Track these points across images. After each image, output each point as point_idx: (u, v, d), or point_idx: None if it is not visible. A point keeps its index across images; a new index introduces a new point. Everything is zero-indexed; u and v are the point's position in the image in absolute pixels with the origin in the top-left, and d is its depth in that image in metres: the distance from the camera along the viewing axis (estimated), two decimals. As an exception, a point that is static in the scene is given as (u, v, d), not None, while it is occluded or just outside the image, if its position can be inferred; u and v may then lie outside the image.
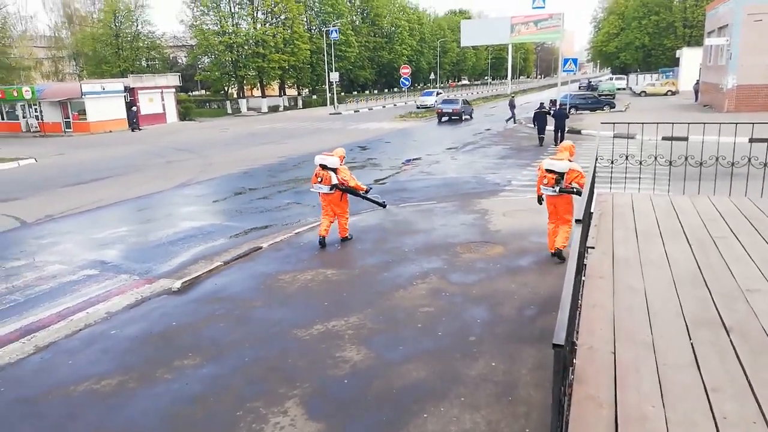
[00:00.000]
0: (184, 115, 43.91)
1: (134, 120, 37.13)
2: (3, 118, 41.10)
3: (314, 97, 60.21)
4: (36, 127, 38.73)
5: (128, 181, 16.71)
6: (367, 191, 9.40)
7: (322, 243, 8.95)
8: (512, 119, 30.13)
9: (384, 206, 9.76)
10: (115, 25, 50.84)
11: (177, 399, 4.83)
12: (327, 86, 53.84)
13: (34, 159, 23.21)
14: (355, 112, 46.56)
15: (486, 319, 6.05)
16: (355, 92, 71.05)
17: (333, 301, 6.76)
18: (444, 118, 34.36)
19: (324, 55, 52.68)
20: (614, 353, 3.18)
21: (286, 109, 53.87)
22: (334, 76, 49.13)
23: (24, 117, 39.67)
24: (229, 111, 50.78)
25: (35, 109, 38.89)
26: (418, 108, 43.54)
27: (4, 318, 6.82)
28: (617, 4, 73.63)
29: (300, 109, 54.22)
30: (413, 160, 18.89)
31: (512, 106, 30.75)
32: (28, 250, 9.80)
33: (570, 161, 7.58)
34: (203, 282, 7.66)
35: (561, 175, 7.49)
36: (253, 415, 4.52)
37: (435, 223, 10.10)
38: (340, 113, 44.98)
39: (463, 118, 34.53)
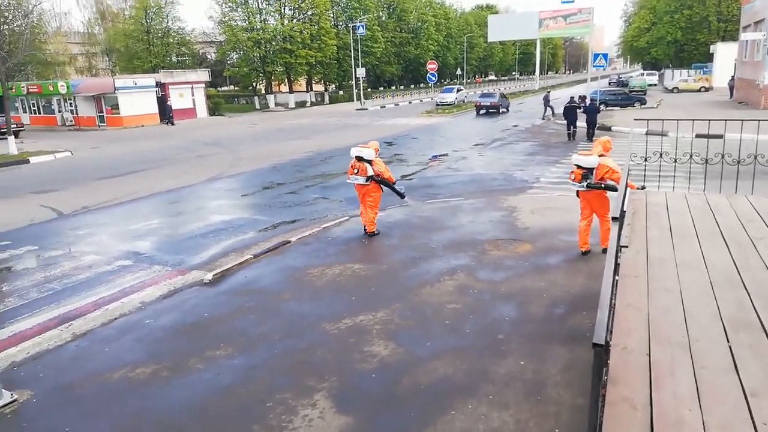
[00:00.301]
0: (213, 110, 44.58)
1: (169, 114, 37.89)
2: (40, 112, 42.39)
3: (341, 92, 60.41)
4: (71, 121, 39.81)
5: (160, 175, 17.06)
6: (394, 183, 9.57)
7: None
8: (546, 113, 29.94)
9: (403, 197, 9.76)
10: (146, 22, 51.75)
11: (209, 389, 4.93)
12: (353, 82, 53.91)
13: (70, 152, 23.86)
14: (381, 107, 46.58)
15: (514, 317, 6.02)
16: (382, 88, 71.00)
17: (361, 296, 6.81)
18: (482, 111, 35.81)
19: (350, 51, 52.75)
20: (649, 354, 3.13)
21: (313, 104, 54.22)
22: (361, 72, 49.15)
23: (59, 111, 40.81)
24: (257, 106, 51.34)
25: (70, 103, 39.98)
26: (437, 105, 41.98)
27: (43, 306, 7.05)
28: (649, -2, 71.93)
29: (327, 104, 54.51)
30: (440, 156, 18.83)
31: (547, 100, 30.47)
32: (64, 240, 10.10)
33: (603, 156, 7.47)
34: (234, 274, 7.79)
35: (589, 170, 7.42)
36: (283, 406, 4.59)
37: (462, 219, 10.06)
38: (367, 109, 45.02)
39: (500, 111, 35.75)
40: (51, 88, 39.94)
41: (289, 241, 9.19)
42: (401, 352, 5.39)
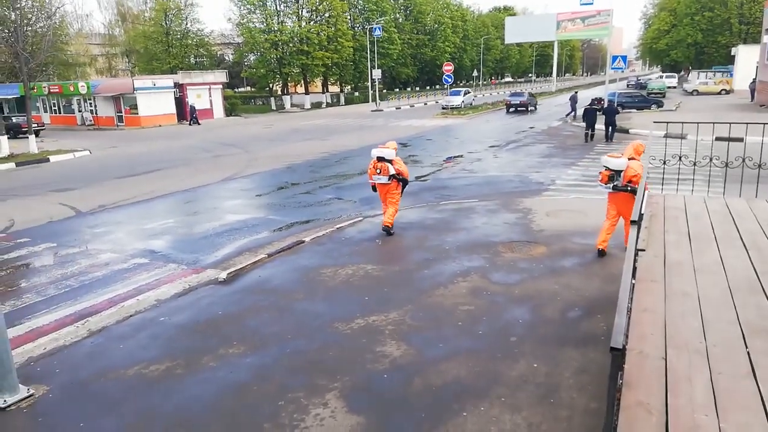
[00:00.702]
0: (230, 110, 44.96)
1: (193, 115, 38.30)
2: (60, 112, 43.16)
3: (356, 93, 60.57)
4: (90, 121, 40.46)
5: (177, 174, 17.24)
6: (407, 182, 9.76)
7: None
8: (570, 113, 29.76)
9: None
10: (166, 23, 52.36)
11: (222, 387, 4.95)
12: (369, 83, 54.02)
13: (89, 151, 24.22)
14: (396, 109, 46.59)
15: (528, 319, 5.97)
16: (397, 89, 71.03)
17: (374, 297, 6.80)
18: (511, 109, 37.96)
19: (367, 53, 52.86)
20: (665, 359, 3.08)
21: (328, 105, 54.43)
22: (377, 74, 49.20)
23: (79, 111, 41.53)
24: (274, 107, 51.67)
25: (90, 103, 40.65)
26: (443, 109, 40.36)
27: (60, 302, 7.15)
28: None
29: (342, 105, 54.68)
30: (455, 157, 18.77)
31: (574, 101, 30.15)
32: (82, 238, 10.24)
33: (633, 160, 7.45)
34: (248, 273, 7.83)
35: (617, 172, 7.44)
36: (294, 405, 4.60)
37: (476, 221, 10.01)
38: (382, 110, 45.08)
39: (529, 109, 37.58)
40: (72, 89, 40.63)
41: (303, 241, 9.22)
42: (413, 353, 5.37)
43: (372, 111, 44.78)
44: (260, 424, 4.37)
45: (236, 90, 63.93)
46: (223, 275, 7.69)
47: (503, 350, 5.31)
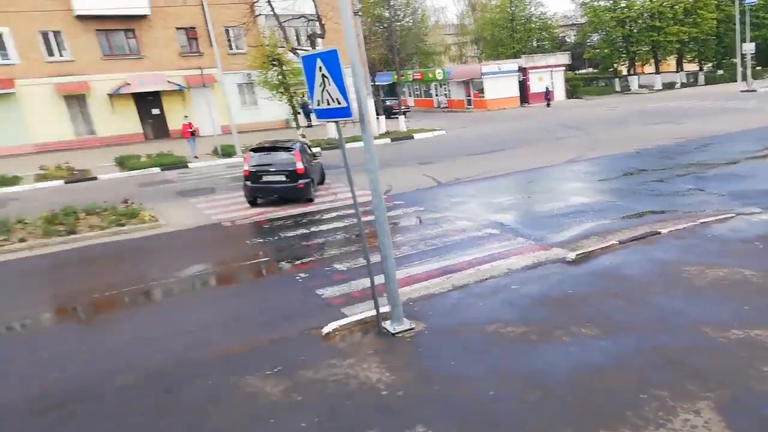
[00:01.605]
0: (571, 93, 44.22)
1: (547, 97, 39.46)
2: (421, 96, 49.55)
3: (719, 72, 51.76)
4: (444, 104, 45.36)
5: (520, 154, 17.93)
6: None
7: None
8: None
9: None
10: (510, 10, 54.16)
11: (576, 363, 4.97)
12: (738, 59, 45.34)
13: (444, 131, 27.21)
14: (776, 89, 38.02)
15: None
16: (777, 65, 57.63)
17: (755, 307, 5.77)
18: None
19: (735, 24, 44.30)
20: None
21: (683, 86, 48.14)
22: (749, 47, 40.90)
23: (436, 95, 46.90)
24: (617, 89, 48.55)
25: (444, 88, 45.46)
26: None
27: (428, 258, 8.29)
28: None
29: (701, 85, 47.66)
30: None
31: None
32: (442, 205, 11.63)
33: None
34: (597, 258, 7.61)
35: None
36: (659, 402, 4.29)
37: None
38: (755, 90, 37.43)
39: None
40: (430, 75, 46.12)
41: (659, 233, 8.43)
42: (817, 384, 4.37)
43: (741, 91, 37.67)
44: (621, 411, 4.22)
45: (577, 72, 62.02)
46: (572, 255, 7.66)
47: None
